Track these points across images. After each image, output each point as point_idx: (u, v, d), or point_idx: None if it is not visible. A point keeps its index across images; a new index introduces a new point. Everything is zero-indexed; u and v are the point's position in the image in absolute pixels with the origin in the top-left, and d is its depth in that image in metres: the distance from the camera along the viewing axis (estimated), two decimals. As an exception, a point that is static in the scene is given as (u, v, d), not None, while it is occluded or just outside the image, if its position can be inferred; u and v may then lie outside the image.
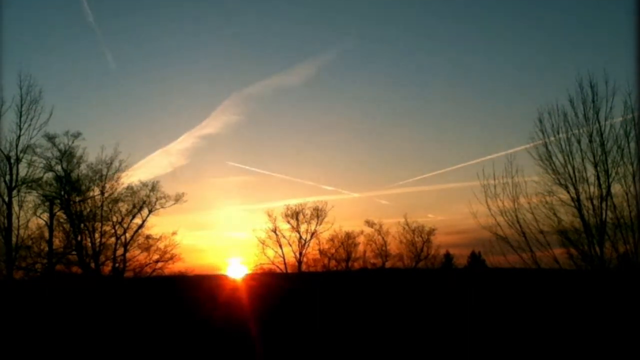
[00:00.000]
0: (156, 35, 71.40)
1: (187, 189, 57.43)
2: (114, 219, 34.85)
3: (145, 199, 35.72)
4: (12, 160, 26.93)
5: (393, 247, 44.45)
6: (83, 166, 33.80)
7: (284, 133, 76.65)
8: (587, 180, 16.37)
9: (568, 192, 16.67)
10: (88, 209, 33.70)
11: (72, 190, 33.00)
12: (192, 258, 62.46)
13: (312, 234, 44.18)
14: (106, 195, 34.49)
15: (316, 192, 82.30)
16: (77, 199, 33.31)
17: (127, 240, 34.86)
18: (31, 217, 30.15)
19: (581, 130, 16.67)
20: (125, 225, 35.01)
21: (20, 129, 26.80)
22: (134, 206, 35.45)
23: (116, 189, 34.96)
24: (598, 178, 16.09)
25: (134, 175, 36.06)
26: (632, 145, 15.64)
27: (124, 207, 35.35)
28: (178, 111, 77.03)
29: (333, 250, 44.60)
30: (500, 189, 17.72)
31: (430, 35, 73.04)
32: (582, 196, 16.35)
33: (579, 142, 16.63)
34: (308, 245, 44.20)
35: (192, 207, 64.05)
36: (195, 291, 35.26)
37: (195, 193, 70.62)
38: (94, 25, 58.09)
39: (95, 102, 67.84)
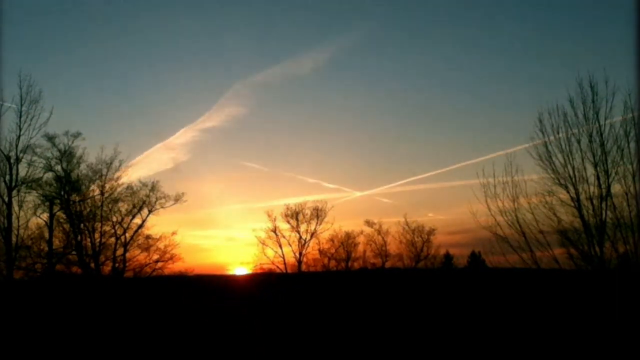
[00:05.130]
0: (156, 23, 70.49)
1: (187, 186, 57.54)
2: (114, 219, 34.85)
3: (145, 199, 35.70)
4: (12, 160, 26.89)
5: (393, 247, 44.43)
6: (83, 166, 33.77)
7: (287, 127, 76.38)
8: (587, 180, 16.37)
9: (568, 192, 16.67)
10: (88, 209, 33.67)
11: (72, 190, 32.96)
12: (192, 258, 62.58)
13: (312, 234, 44.16)
14: (106, 195, 34.46)
15: (317, 189, 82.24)
16: (77, 198, 33.28)
17: (127, 240, 34.85)
18: (31, 217, 30.11)
19: (581, 130, 16.68)
20: (125, 225, 35.01)
21: (20, 129, 26.72)
22: (134, 206, 35.43)
23: (116, 189, 34.94)
24: (598, 178, 16.08)
25: (133, 171, 36.06)
26: (632, 145, 15.64)
27: (123, 207, 35.34)
28: (179, 103, 75.95)
29: (333, 250, 44.60)
30: (500, 189, 17.75)
31: (431, 35, 73.19)
32: (582, 196, 16.35)
33: (579, 142, 16.63)
34: (308, 245, 44.19)
35: (192, 206, 64.01)
36: (195, 291, 35.32)
37: (195, 190, 70.38)
38: (94, 21, 57.81)
39: (95, 96, 67.60)
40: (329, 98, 74.81)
